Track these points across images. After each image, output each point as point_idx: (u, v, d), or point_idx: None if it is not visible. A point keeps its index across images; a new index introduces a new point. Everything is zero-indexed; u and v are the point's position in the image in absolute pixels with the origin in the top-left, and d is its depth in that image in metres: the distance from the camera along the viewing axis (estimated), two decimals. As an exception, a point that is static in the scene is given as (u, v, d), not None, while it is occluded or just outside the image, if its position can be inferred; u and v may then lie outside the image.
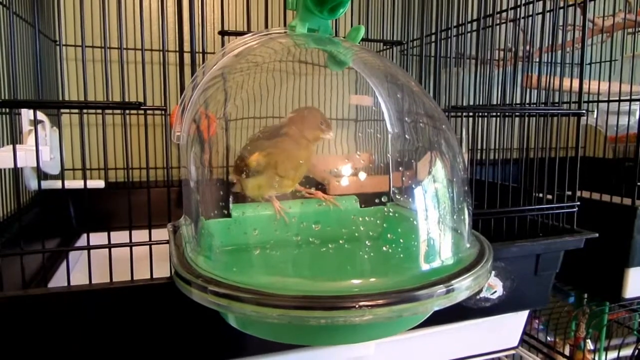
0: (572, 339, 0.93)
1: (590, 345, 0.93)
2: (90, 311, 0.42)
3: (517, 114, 0.60)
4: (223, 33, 0.46)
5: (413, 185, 0.33)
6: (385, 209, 0.35)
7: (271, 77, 0.38)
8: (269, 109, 0.39)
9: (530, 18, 0.61)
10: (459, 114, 0.57)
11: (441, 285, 0.29)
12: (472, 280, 0.30)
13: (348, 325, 0.28)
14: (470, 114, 0.60)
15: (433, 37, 0.78)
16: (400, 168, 0.34)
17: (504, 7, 0.62)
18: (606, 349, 0.91)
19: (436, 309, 0.29)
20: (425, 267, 0.31)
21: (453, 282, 0.29)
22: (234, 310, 0.28)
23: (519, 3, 0.60)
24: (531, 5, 0.60)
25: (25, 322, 0.41)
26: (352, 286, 0.28)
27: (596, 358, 0.91)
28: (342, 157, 0.36)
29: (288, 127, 0.37)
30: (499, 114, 0.59)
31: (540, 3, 0.62)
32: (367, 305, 0.26)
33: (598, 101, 0.88)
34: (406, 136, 0.35)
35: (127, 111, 0.45)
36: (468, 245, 0.34)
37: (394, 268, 0.31)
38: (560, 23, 0.65)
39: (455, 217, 0.34)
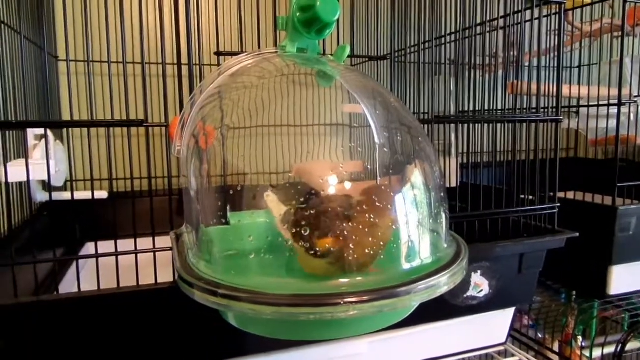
0: (562, 335, 0.96)
1: (580, 341, 0.96)
2: (99, 315, 0.45)
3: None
4: (219, 54, 0.50)
5: (394, 193, 0.36)
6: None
7: (264, 94, 0.41)
8: (264, 123, 0.42)
9: (511, 27, 0.65)
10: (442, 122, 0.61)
11: (420, 283, 0.32)
12: (449, 277, 0.33)
13: (336, 321, 0.31)
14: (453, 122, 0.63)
15: (422, 46, 0.81)
16: (381, 178, 0.37)
17: (489, 17, 0.66)
18: (594, 345, 0.94)
19: (415, 304, 0.32)
20: (406, 266, 0.34)
21: (431, 279, 0.32)
22: (233, 309, 0.31)
23: (505, 13, 0.63)
24: (517, 15, 0.62)
25: (38, 326, 0.44)
26: (339, 285, 0.31)
27: (586, 354, 0.94)
28: (333, 165, 0.39)
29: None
30: (479, 121, 0.62)
31: (527, 11, 0.65)
32: (352, 302, 0.29)
33: (578, 106, 0.92)
34: (385, 149, 0.38)
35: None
36: (446, 246, 0.37)
37: (378, 268, 0.34)
38: (545, 30, 0.68)
39: (433, 220, 0.37)
